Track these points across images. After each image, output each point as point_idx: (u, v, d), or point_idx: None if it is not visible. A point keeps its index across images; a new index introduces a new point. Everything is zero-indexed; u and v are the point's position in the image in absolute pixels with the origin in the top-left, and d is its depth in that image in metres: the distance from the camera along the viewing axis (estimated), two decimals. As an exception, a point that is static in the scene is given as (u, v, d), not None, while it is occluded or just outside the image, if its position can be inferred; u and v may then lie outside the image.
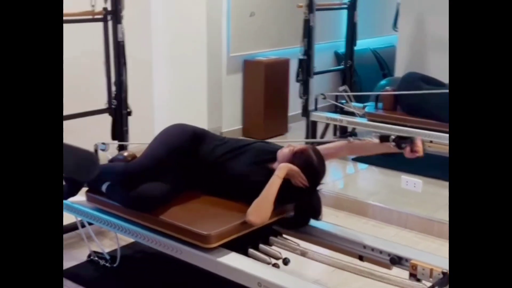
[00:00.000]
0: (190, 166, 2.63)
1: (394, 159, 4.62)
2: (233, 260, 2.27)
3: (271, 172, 2.47)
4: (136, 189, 2.50)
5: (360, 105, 5.07)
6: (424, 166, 3.60)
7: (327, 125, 4.96)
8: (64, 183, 2.71)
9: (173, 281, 2.91)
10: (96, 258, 3.06)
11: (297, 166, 2.45)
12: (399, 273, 2.32)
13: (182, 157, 2.61)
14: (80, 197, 2.81)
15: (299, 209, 2.57)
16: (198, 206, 2.56)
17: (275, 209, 2.43)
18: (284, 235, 2.61)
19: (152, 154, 2.63)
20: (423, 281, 2.24)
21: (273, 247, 2.52)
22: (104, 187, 2.67)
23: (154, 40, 4.81)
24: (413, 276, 2.28)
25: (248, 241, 2.44)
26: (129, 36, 4.48)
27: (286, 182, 2.45)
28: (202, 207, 2.56)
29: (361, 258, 2.48)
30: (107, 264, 3.01)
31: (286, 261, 2.45)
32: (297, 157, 2.48)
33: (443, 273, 2.16)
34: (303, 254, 2.50)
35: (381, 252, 2.41)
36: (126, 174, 2.61)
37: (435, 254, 2.36)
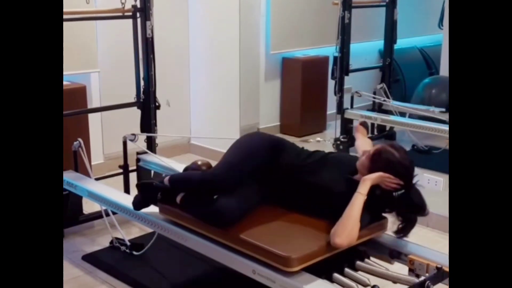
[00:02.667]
0: (269, 178, 2.47)
1: (419, 157, 4.59)
2: (318, 287, 2.07)
3: (354, 184, 2.29)
4: (213, 203, 2.34)
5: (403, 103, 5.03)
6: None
7: (362, 123, 4.92)
8: (138, 193, 2.64)
9: (190, 272, 2.99)
10: (118, 244, 3.19)
11: (380, 170, 2.27)
12: (400, 269, 2.32)
13: (260, 169, 2.45)
14: (153, 207, 2.65)
15: (401, 212, 2.36)
16: (277, 223, 2.38)
17: (362, 228, 2.22)
18: (371, 258, 2.37)
19: (229, 165, 2.45)
20: (422, 277, 2.23)
21: (359, 272, 2.27)
22: (178, 198, 2.49)
23: (192, 36, 4.93)
24: (412, 271, 2.27)
25: (332, 265, 2.22)
26: (168, 33, 4.66)
27: (375, 194, 2.28)
28: (281, 224, 2.37)
29: (364, 252, 2.47)
30: (127, 250, 3.13)
31: None
32: (375, 161, 2.30)
33: (438, 268, 2.14)
34: (394, 280, 2.22)
35: (382, 246, 2.40)
36: (201, 185, 2.43)
37: (434, 249, 2.33)
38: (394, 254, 2.35)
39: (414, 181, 2.33)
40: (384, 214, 2.42)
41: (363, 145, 2.67)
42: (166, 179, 2.56)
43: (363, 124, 2.93)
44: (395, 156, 2.29)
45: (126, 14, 3.45)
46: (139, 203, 2.62)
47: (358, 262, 2.30)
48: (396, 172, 2.26)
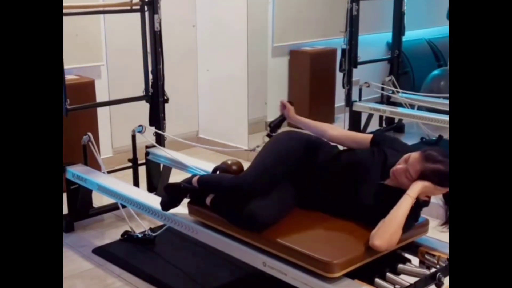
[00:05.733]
0: (304, 180, 2.38)
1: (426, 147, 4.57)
2: None
3: (385, 188, 2.21)
4: (245, 206, 2.23)
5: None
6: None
7: (370, 116, 4.92)
8: (164, 193, 2.58)
9: (202, 264, 3.00)
10: (137, 235, 3.21)
11: (427, 180, 2.12)
12: (411, 261, 2.31)
13: (295, 170, 2.36)
14: (182, 208, 2.59)
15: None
16: (314, 227, 2.29)
17: (404, 233, 2.13)
18: (413, 262, 2.28)
19: (261, 169, 2.34)
20: (433, 269, 2.22)
21: (401, 276, 2.17)
22: (208, 200, 2.42)
23: (199, 30, 4.92)
24: (422, 263, 2.27)
25: (374, 269, 2.13)
26: (175, 27, 4.66)
27: (424, 204, 2.22)
28: (317, 227, 2.28)
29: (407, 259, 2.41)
30: (148, 233, 3.17)
31: None
32: (423, 178, 2.12)
33: (448, 260, 2.14)
34: (438, 283, 2.14)
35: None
36: (233, 190, 2.32)
37: (444, 240, 2.31)
38: (404, 247, 2.34)
39: None
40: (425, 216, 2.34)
41: (317, 126, 2.57)
42: (194, 180, 2.49)
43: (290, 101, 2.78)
44: (440, 166, 2.11)
45: (134, 7, 3.45)
46: (167, 204, 2.56)
47: (400, 265, 2.20)
48: (441, 182, 2.11)
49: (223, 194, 2.39)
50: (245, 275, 2.81)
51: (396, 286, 2.10)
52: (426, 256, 2.24)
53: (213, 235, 2.43)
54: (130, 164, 3.59)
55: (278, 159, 2.36)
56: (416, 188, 2.11)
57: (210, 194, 2.42)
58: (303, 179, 2.38)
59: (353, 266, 2.06)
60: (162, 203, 2.58)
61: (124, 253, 3.12)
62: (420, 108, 4.86)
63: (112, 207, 3.49)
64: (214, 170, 2.66)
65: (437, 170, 2.10)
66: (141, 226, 3.24)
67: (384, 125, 5.26)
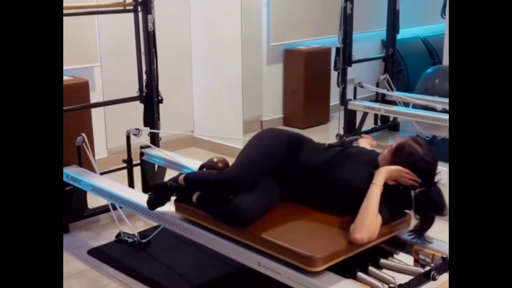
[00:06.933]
0: (287, 175, 2.40)
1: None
2: (343, 287, 2.01)
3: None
4: (230, 202, 2.27)
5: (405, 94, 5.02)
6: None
7: (365, 114, 4.92)
8: (151, 192, 2.62)
9: (196, 265, 3.00)
10: (126, 238, 3.19)
11: (402, 164, 2.20)
12: (406, 259, 2.32)
13: (279, 165, 2.39)
14: (169, 206, 2.61)
15: (419, 210, 2.26)
16: (298, 222, 2.32)
17: (384, 224, 2.16)
18: (395, 256, 2.30)
19: (246, 164, 2.37)
20: (428, 267, 2.22)
21: (383, 270, 2.19)
22: (194, 197, 2.44)
23: (193, 30, 4.92)
24: (417, 261, 2.27)
25: (356, 263, 2.15)
26: (170, 26, 4.65)
27: (394, 188, 2.23)
28: (302, 222, 2.31)
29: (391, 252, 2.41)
30: (136, 240, 3.15)
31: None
32: (397, 155, 2.23)
33: (443, 258, 2.14)
34: (394, 269, 2.18)
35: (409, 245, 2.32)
36: (218, 185, 2.35)
37: (439, 239, 2.32)
38: (399, 245, 2.34)
39: (436, 179, 2.22)
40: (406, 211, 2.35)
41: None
42: (181, 178, 2.51)
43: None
44: (418, 152, 2.20)
45: (127, 8, 3.44)
46: (153, 203, 2.58)
47: (382, 260, 2.22)
48: (417, 168, 2.19)
49: (209, 190, 2.41)
50: (238, 274, 2.81)
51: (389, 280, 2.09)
52: (421, 255, 2.24)
53: (208, 236, 2.43)
54: (125, 164, 3.58)
55: (262, 155, 2.38)
56: (380, 175, 2.17)
57: (196, 192, 2.43)
58: (287, 174, 2.40)
59: (335, 260, 2.08)
60: (149, 202, 2.59)
61: (119, 254, 3.11)
62: (415, 106, 4.87)
63: (107, 208, 3.47)
64: (201, 168, 2.69)
65: (410, 154, 2.19)
66: (134, 227, 3.24)
67: (379, 124, 5.27)
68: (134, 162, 3.58)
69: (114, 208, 3.24)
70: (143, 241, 3.15)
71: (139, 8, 3.45)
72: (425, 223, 2.25)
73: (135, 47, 3.51)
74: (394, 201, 2.23)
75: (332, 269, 2.07)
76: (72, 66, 4.00)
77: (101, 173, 3.40)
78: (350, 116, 4.87)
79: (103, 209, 3.49)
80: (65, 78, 3.86)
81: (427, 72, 5.60)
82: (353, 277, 2.11)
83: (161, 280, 2.85)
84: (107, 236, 3.32)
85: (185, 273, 2.92)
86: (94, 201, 3.52)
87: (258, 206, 2.28)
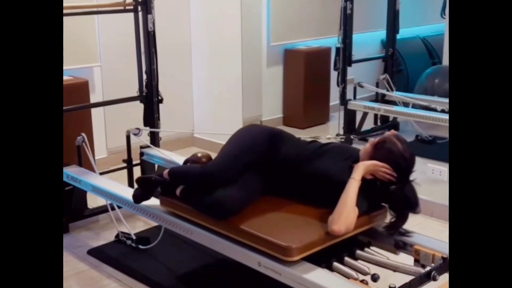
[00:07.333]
0: (268, 169, 2.46)
1: (423, 147, 4.58)
2: (318, 276, 2.05)
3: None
4: (212, 195, 2.34)
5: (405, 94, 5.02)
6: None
7: (365, 114, 4.92)
8: (137, 187, 2.67)
9: (196, 265, 3.00)
10: (123, 238, 3.19)
11: (380, 159, 2.28)
12: (406, 259, 2.32)
13: (260, 160, 2.45)
14: (154, 200, 2.68)
15: (394, 206, 2.34)
16: (278, 214, 2.38)
17: (360, 217, 2.23)
18: (372, 248, 2.38)
19: (228, 158, 2.45)
20: (428, 267, 2.22)
21: (359, 261, 2.27)
22: (178, 191, 2.51)
23: (193, 30, 4.91)
24: (417, 261, 2.27)
25: (333, 254, 2.23)
26: (170, 26, 4.65)
27: (372, 182, 2.30)
28: (282, 214, 2.38)
29: (369, 243, 2.47)
30: (133, 244, 3.14)
31: (375, 277, 2.15)
32: (378, 149, 2.31)
33: (443, 258, 2.14)
34: (395, 269, 2.22)
35: (387, 236, 2.40)
36: (201, 178, 2.43)
37: (439, 239, 2.32)
38: (399, 245, 2.34)
39: (411, 178, 2.30)
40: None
41: None
42: (165, 172, 2.58)
43: None
44: (398, 147, 2.29)
45: (127, 7, 3.44)
46: (139, 197, 2.65)
47: (358, 251, 2.31)
48: (395, 164, 2.27)
49: (192, 183, 2.48)
50: (238, 275, 2.80)
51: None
52: (421, 255, 2.24)
53: (187, 227, 2.47)
54: (124, 164, 3.58)
55: (244, 149, 2.46)
56: (358, 170, 2.25)
57: (180, 186, 2.50)
58: (269, 168, 2.46)
59: (311, 251, 2.15)
60: (134, 196, 2.65)
61: (119, 254, 3.11)
62: (414, 106, 4.86)
63: (107, 208, 3.47)
64: (185, 163, 2.77)
65: (389, 149, 2.27)
66: (134, 227, 3.24)
67: (378, 124, 5.27)
68: (134, 162, 3.58)
69: (113, 208, 3.24)
70: (142, 247, 3.12)
71: (139, 8, 3.45)
72: (399, 218, 2.32)
73: (135, 47, 3.51)
74: (371, 195, 2.29)
75: (309, 259, 2.14)
76: (72, 66, 3.99)
77: (101, 173, 3.40)
78: (350, 116, 4.86)
79: (103, 209, 3.49)
80: (65, 78, 3.86)
81: (427, 72, 5.60)
82: (329, 267, 2.19)
83: (161, 280, 2.84)
84: (107, 236, 3.32)
85: (185, 273, 2.92)
86: (93, 201, 3.52)
87: (239, 199, 2.34)
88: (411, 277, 2.12)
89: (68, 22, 3.68)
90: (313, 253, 2.15)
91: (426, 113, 4.45)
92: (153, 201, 2.67)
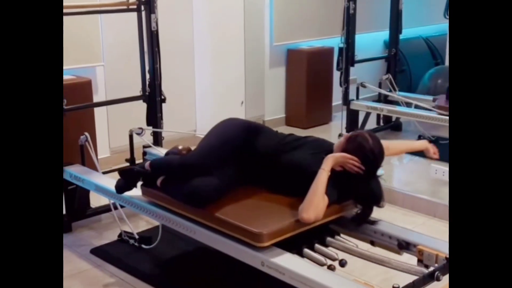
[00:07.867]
0: (245, 160, 2.55)
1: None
2: (286, 261, 2.14)
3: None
4: (190, 184, 2.43)
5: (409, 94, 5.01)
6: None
7: (367, 114, 4.92)
8: (120, 177, 2.76)
9: (198, 264, 3.00)
10: (126, 238, 3.19)
11: (351, 151, 2.36)
12: (409, 259, 2.32)
13: (237, 151, 2.54)
14: (136, 191, 2.77)
15: (359, 198, 2.44)
16: (252, 202, 2.47)
17: (330, 206, 2.32)
18: (342, 235, 2.47)
19: (207, 149, 2.56)
20: (431, 267, 2.22)
21: (329, 248, 2.37)
22: (158, 181, 2.61)
23: (196, 30, 4.92)
24: (421, 261, 2.26)
25: (303, 240, 2.32)
26: (173, 26, 4.65)
27: (342, 174, 2.37)
28: (256, 203, 2.47)
29: (372, 243, 2.47)
30: (136, 244, 3.14)
31: (342, 263, 2.28)
32: (350, 142, 2.40)
33: (447, 258, 2.14)
34: (361, 256, 2.33)
35: (390, 237, 2.40)
36: (180, 168, 2.55)
37: (443, 239, 2.32)
38: (402, 245, 2.34)
39: (378, 173, 2.42)
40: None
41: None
42: (147, 164, 2.68)
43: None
44: (368, 142, 2.37)
45: (130, 7, 3.45)
46: (121, 187, 2.74)
47: (329, 238, 2.40)
48: (364, 157, 2.35)
49: (172, 173, 2.59)
50: (241, 273, 2.80)
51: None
52: (424, 255, 2.24)
53: (210, 234, 2.43)
54: (127, 164, 3.58)
55: (222, 141, 2.56)
56: (328, 161, 2.35)
57: (160, 176, 2.60)
58: (246, 159, 2.55)
59: (282, 237, 2.24)
60: (117, 187, 2.75)
61: (122, 253, 3.11)
62: (417, 106, 4.86)
63: (110, 208, 3.47)
64: (166, 154, 2.86)
65: (360, 143, 2.36)
66: (137, 227, 3.24)
67: (381, 124, 5.27)
68: (136, 162, 3.57)
69: (116, 208, 3.23)
70: (144, 246, 3.12)
71: (142, 8, 3.46)
72: (365, 210, 2.44)
73: (138, 46, 3.51)
74: (340, 185, 2.38)
75: (280, 245, 2.23)
76: (75, 66, 4.00)
77: (104, 172, 3.40)
78: (352, 116, 4.86)
79: (106, 208, 3.49)
80: (68, 77, 3.87)
81: (430, 72, 5.60)
82: (300, 253, 2.29)
83: (163, 279, 2.85)
84: (109, 235, 3.32)
85: (187, 271, 2.92)
86: (96, 200, 3.52)
87: (216, 187, 2.43)
88: (414, 277, 2.11)
89: (71, 22, 3.71)
90: (284, 239, 2.24)
91: (429, 113, 4.44)
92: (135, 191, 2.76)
